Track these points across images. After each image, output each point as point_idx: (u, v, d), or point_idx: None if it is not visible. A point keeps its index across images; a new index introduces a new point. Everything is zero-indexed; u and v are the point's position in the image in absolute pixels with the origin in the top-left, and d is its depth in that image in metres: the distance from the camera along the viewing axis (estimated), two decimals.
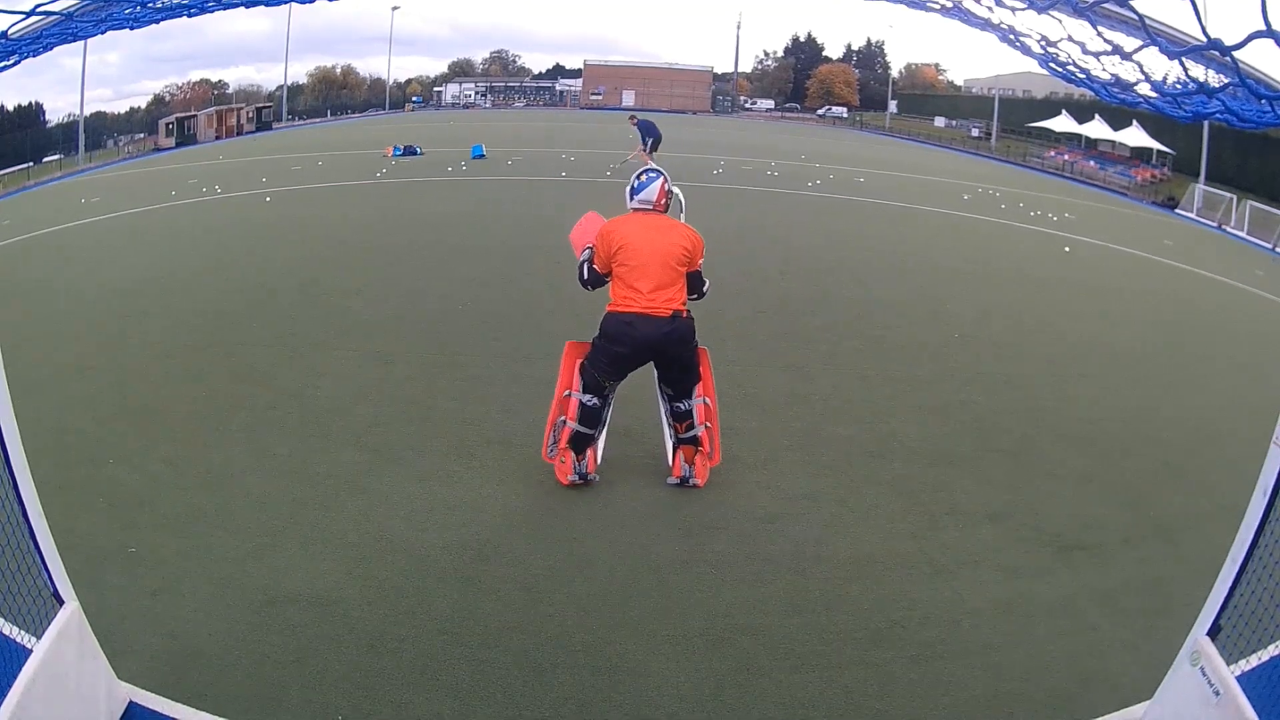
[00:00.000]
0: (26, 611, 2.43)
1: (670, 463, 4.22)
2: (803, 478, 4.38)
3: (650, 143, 16.04)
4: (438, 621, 3.11)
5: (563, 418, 4.07)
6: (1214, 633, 2.40)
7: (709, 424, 4.17)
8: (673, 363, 4.00)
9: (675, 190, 4.22)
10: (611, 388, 4.05)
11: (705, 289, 4.14)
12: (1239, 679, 2.34)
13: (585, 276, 4.09)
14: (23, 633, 2.49)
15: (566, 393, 4.06)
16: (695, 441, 4.14)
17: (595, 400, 3.99)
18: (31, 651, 2.29)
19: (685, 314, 3.95)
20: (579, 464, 4.08)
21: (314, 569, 3.41)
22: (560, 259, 9.15)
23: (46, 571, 2.41)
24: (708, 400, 4.16)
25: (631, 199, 4.11)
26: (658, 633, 3.10)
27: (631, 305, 3.86)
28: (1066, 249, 12.12)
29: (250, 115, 34.05)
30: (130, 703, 2.63)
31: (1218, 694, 2.28)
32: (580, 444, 4.07)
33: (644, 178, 4.12)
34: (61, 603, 2.43)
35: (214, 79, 41.47)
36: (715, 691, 2.81)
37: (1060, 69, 2.55)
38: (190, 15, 2.73)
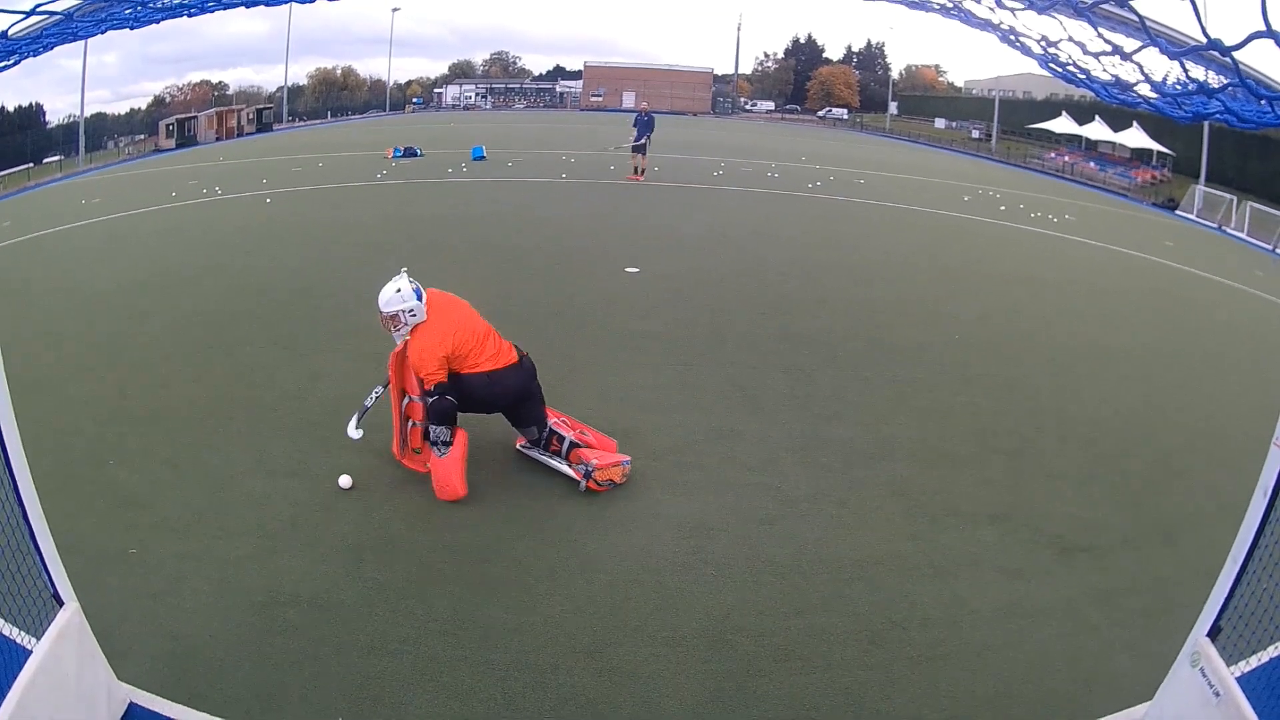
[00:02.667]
0: (27, 612, 2.43)
1: (572, 476, 4.21)
2: (803, 479, 4.38)
3: (645, 138, 15.77)
4: (438, 623, 3.11)
5: (411, 420, 4.20)
6: (1214, 633, 2.40)
7: (578, 430, 4.38)
8: (529, 398, 4.32)
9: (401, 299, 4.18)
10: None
11: None
12: (1239, 680, 2.34)
13: (453, 401, 4.09)
14: (23, 633, 2.49)
15: (409, 398, 4.20)
16: (577, 446, 4.27)
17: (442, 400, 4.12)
18: (31, 652, 2.29)
19: (526, 353, 4.35)
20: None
21: (314, 570, 3.41)
22: (560, 259, 9.18)
23: (46, 572, 2.41)
24: (561, 419, 4.43)
25: (418, 302, 4.18)
26: (658, 634, 3.10)
27: (490, 364, 4.16)
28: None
29: (250, 116, 34.01)
30: (130, 704, 2.63)
31: (1218, 695, 2.28)
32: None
33: (414, 284, 4.21)
34: (61, 603, 2.44)
35: (213, 80, 41.43)
36: (715, 693, 2.81)
37: (1060, 69, 2.55)
38: (190, 15, 2.74)
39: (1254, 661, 2.70)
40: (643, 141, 15.58)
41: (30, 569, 2.41)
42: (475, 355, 4.15)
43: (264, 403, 5.16)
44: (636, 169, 15.82)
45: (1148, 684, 2.71)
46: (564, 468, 4.27)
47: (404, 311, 4.12)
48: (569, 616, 3.18)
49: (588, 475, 4.11)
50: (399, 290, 4.15)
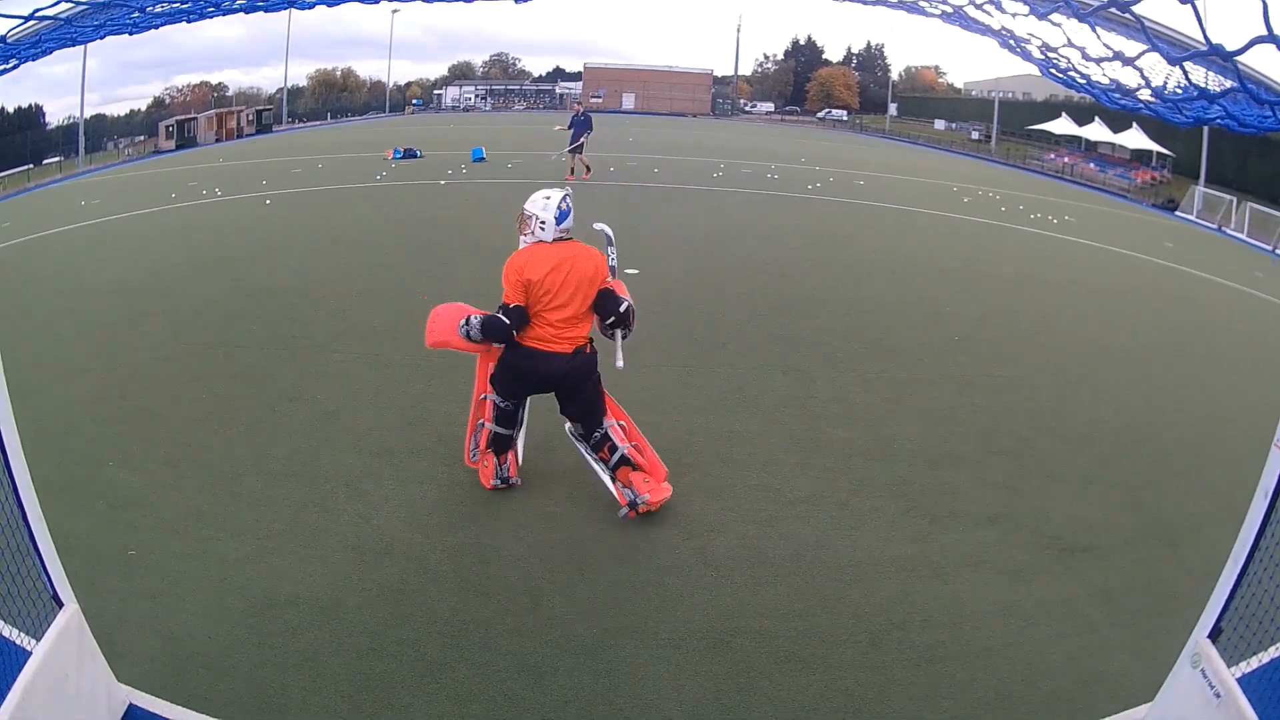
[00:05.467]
0: (26, 613, 2.43)
1: (615, 495, 3.94)
2: (803, 480, 4.38)
3: (580, 142, 15.41)
4: (438, 625, 3.11)
5: (481, 420, 4.03)
6: (1215, 635, 2.40)
7: (634, 443, 4.01)
8: (572, 396, 3.91)
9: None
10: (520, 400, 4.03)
11: (624, 307, 3.84)
12: (1240, 681, 2.34)
13: (509, 323, 3.68)
14: (22, 635, 2.49)
15: (483, 396, 4.02)
16: (627, 462, 3.94)
17: (509, 403, 3.95)
18: (31, 654, 2.29)
19: (589, 349, 3.86)
20: (500, 468, 4.06)
21: (314, 572, 3.41)
22: None
23: (46, 574, 2.41)
24: (620, 422, 4.04)
25: (557, 225, 3.79)
26: (658, 635, 3.10)
27: (534, 338, 3.75)
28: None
29: (250, 118, 33.98)
30: (130, 705, 2.63)
31: (1219, 696, 2.28)
32: (500, 446, 4.03)
33: (564, 206, 3.82)
34: (61, 605, 2.43)
35: (197, 81, 41.44)
36: (715, 695, 2.81)
37: (1061, 75, 2.55)
38: (190, 20, 2.74)
39: (1255, 662, 2.70)
40: (580, 143, 15.34)
41: (29, 570, 2.41)
42: (540, 316, 3.71)
43: (264, 403, 5.16)
44: (573, 170, 15.62)
45: (1148, 685, 2.71)
46: (607, 482, 3.99)
47: (533, 217, 3.78)
48: (569, 618, 3.18)
49: (633, 506, 3.84)
50: (547, 198, 3.81)
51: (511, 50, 59.98)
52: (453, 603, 3.24)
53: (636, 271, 8.67)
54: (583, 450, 4.08)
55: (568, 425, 4.14)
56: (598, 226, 4.29)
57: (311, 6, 2.83)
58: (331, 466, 4.34)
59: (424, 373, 5.72)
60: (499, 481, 4.07)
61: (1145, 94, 2.11)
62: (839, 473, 4.49)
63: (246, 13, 2.79)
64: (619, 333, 3.92)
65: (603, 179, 16.08)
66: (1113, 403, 5.84)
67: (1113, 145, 29.45)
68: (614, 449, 3.94)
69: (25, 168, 22.51)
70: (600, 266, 3.84)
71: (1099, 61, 2.07)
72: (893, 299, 8.31)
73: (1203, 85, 1.92)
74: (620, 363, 3.92)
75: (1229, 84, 1.75)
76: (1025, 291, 9.20)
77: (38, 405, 4.78)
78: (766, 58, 61.45)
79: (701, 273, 8.81)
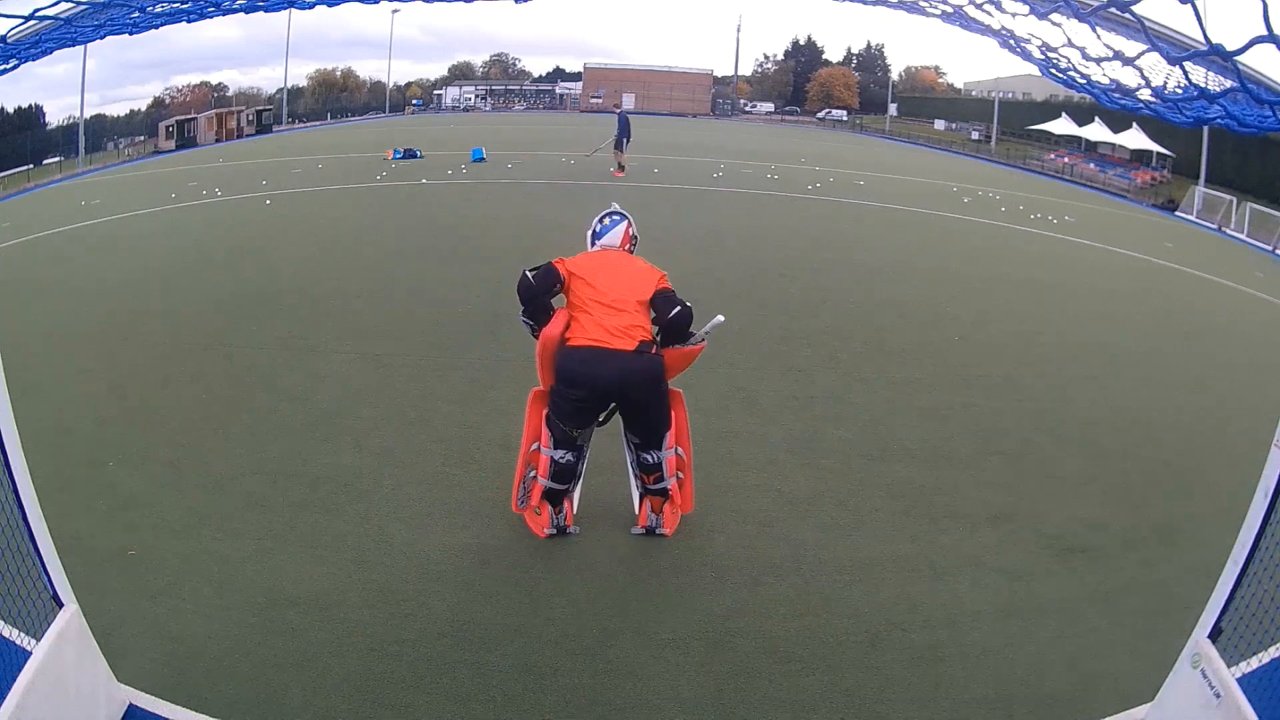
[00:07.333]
0: (26, 614, 2.43)
1: (636, 511, 3.83)
2: (803, 480, 4.38)
3: (625, 141, 16.73)
4: (438, 625, 3.11)
5: (533, 471, 3.63)
6: (1215, 635, 2.40)
7: (681, 474, 3.72)
8: (639, 408, 3.49)
9: (638, 235, 3.94)
10: (584, 437, 3.62)
11: (676, 312, 3.47)
12: (1240, 681, 2.34)
13: (530, 277, 3.47)
14: (22, 635, 2.49)
15: (535, 446, 3.60)
16: (664, 494, 3.72)
17: (568, 456, 3.54)
18: (31, 654, 2.29)
19: (654, 349, 3.44)
20: (556, 516, 3.70)
21: (315, 572, 3.41)
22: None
23: (46, 574, 2.41)
24: (680, 450, 3.67)
25: (593, 243, 3.81)
26: (658, 636, 3.10)
27: (588, 337, 3.36)
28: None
29: (250, 118, 33.96)
30: (130, 705, 2.63)
31: (1219, 696, 2.28)
32: (554, 498, 3.69)
33: (607, 221, 3.84)
34: (61, 605, 2.43)
35: (196, 81, 41.46)
36: (715, 695, 2.81)
37: (1061, 75, 2.55)
38: (190, 20, 2.74)
39: (1255, 663, 2.70)
40: (617, 139, 16.72)
41: (30, 570, 2.41)
42: (583, 307, 3.43)
43: (264, 403, 5.16)
44: (621, 166, 16.93)
45: (1148, 685, 2.71)
46: (635, 496, 3.87)
47: (589, 232, 3.87)
48: (569, 618, 3.18)
49: (650, 531, 3.74)
50: (599, 218, 3.89)
51: (511, 50, 60.02)
52: (453, 603, 3.24)
53: None
54: (628, 457, 3.82)
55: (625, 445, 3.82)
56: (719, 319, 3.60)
57: (311, 6, 2.83)
58: (331, 466, 4.34)
59: (425, 373, 5.73)
60: (554, 530, 3.70)
61: (1145, 94, 2.11)
62: (839, 473, 4.49)
63: (246, 13, 2.80)
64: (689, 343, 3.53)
65: (603, 179, 16.08)
66: (1113, 403, 5.84)
67: (1113, 145, 29.44)
68: (660, 480, 3.66)
69: (25, 168, 22.51)
70: (653, 269, 3.69)
71: (1099, 61, 2.07)
72: (893, 299, 8.31)
73: (1203, 85, 1.92)
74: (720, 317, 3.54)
75: (1229, 84, 1.75)
76: (1025, 291, 9.20)
77: (38, 405, 4.78)
78: (766, 58, 61.46)
79: (701, 272, 8.80)
